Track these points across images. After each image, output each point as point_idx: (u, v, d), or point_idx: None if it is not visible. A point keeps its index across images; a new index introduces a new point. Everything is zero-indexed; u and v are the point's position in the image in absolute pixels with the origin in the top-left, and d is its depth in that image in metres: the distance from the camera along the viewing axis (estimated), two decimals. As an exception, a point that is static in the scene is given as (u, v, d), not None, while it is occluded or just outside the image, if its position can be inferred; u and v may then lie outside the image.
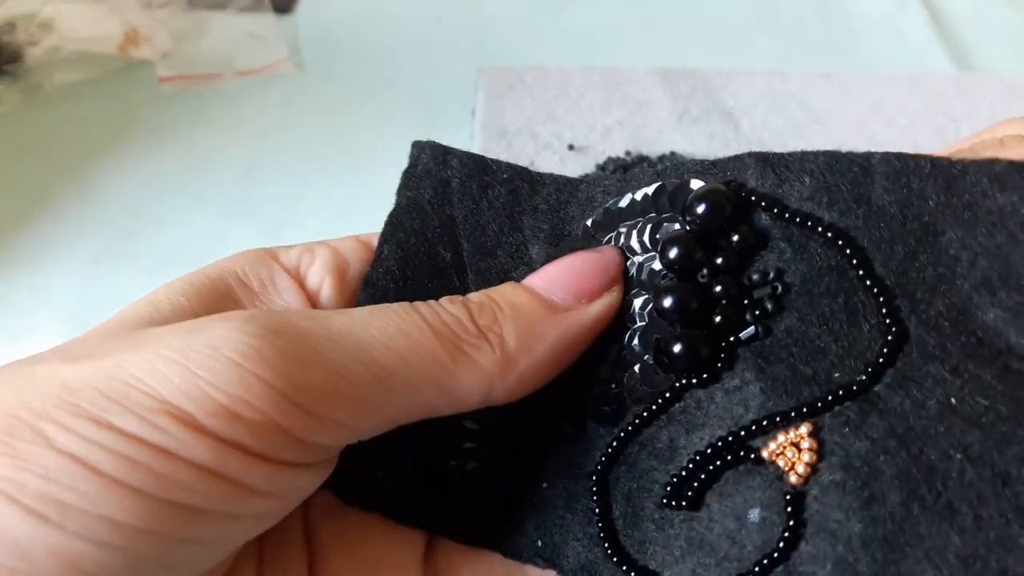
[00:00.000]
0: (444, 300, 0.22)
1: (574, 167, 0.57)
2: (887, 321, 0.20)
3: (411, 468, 0.25)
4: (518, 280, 0.24)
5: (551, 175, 0.26)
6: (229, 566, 0.22)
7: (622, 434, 0.23)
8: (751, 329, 0.22)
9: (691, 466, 0.22)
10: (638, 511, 0.23)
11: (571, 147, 0.58)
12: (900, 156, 0.21)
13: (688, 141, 0.59)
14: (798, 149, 0.22)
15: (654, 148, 0.58)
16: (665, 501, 0.22)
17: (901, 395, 0.20)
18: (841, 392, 0.20)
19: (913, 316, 0.20)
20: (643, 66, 0.65)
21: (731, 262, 0.22)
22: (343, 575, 0.24)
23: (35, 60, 0.63)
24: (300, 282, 0.25)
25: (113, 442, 0.17)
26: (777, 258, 0.22)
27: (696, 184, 0.23)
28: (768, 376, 0.21)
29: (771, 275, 0.22)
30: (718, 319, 0.22)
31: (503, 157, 0.29)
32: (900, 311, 0.20)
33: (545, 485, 0.24)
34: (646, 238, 0.23)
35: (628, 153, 0.58)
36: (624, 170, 0.56)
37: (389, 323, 0.21)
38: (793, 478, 0.20)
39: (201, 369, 0.18)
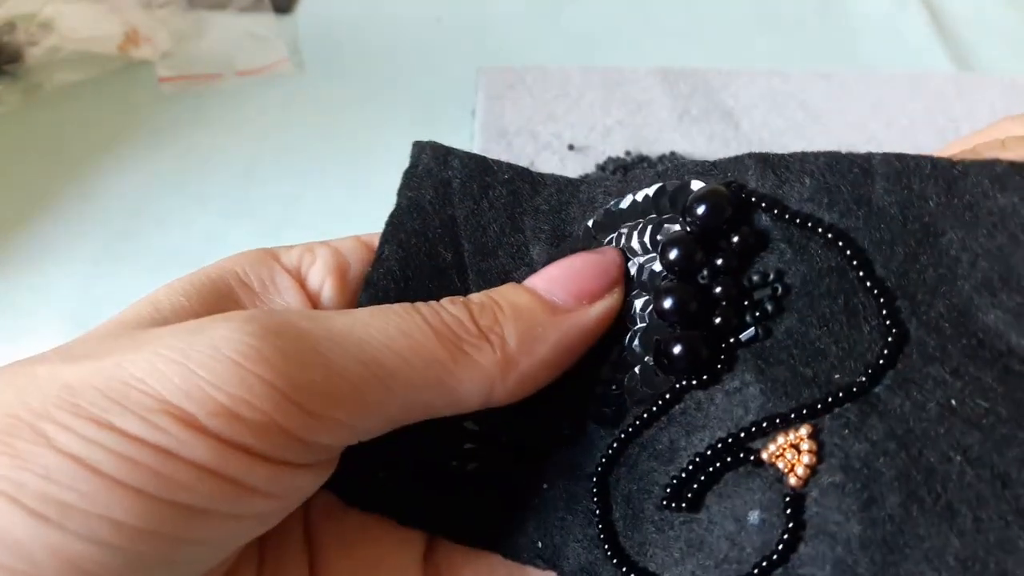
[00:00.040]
0: (445, 301, 0.22)
1: (574, 167, 0.57)
2: (887, 323, 0.20)
3: (412, 469, 0.25)
4: (519, 281, 0.24)
5: (552, 176, 0.26)
6: (230, 566, 0.22)
7: (622, 435, 0.23)
8: (751, 330, 0.22)
9: (691, 468, 0.22)
10: (638, 513, 0.23)
11: (571, 147, 0.58)
12: (901, 157, 0.21)
13: (688, 141, 0.59)
14: (798, 149, 0.22)
15: (654, 148, 0.58)
16: (665, 503, 0.22)
17: (901, 397, 0.20)
18: (841, 394, 0.20)
19: (913, 318, 0.20)
20: (643, 66, 0.65)
21: (731, 263, 0.22)
22: (344, 575, 0.24)
23: (35, 60, 0.63)
24: (301, 282, 0.25)
25: (114, 442, 0.17)
26: (777, 259, 0.22)
27: (696, 185, 0.23)
28: (768, 377, 0.21)
29: (771, 276, 0.22)
30: (718, 320, 0.22)
31: (503, 157, 0.29)
32: (900, 312, 0.20)
33: (545, 486, 0.24)
34: (647, 239, 0.23)
35: (628, 153, 0.58)
36: (624, 170, 0.56)
37: (390, 323, 0.21)
38: (793, 480, 0.20)
39: (202, 369, 0.18)
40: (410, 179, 0.26)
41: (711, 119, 0.61)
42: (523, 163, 0.54)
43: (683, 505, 0.22)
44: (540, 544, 0.24)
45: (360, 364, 0.20)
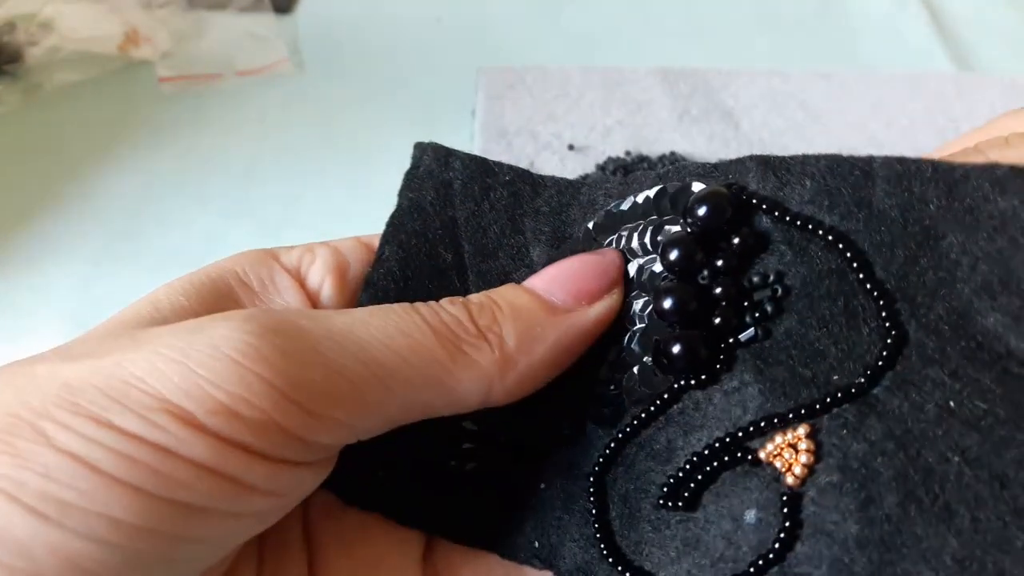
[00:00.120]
0: (444, 301, 0.22)
1: (574, 167, 0.57)
2: (887, 324, 0.20)
3: (410, 468, 0.25)
4: (519, 282, 0.24)
5: (553, 177, 0.26)
6: (229, 565, 0.22)
7: (620, 435, 0.23)
8: (750, 331, 0.22)
9: (688, 467, 0.22)
10: (635, 512, 0.23)
11: (571, 147, 0.58)
12: (902, 160, 0.21)
13: (688, 141, 0.59)
14: (798, 149, 0.22)
15: (654, 148, 0.59)
16: (662, 502, 0.22)
17: (900, 398, 0.20)
18: (839, 394, 0.20)
19: (913, 320, 0.20)
20: (643, 66, 0.65)
21: (731, 264, 0.22)
22: (342, 575, 0.24)
23: (35, 60, 0.63)
24: (301, 282, 0.25)
25: (113, 440, 0.17)
26: (777, 261, 0.22)
27: (697, 187, 0.23)
28: (767, 378, 0.21)
29: (771, 277, 0.22)
30: (718, 321, 0.22)
31: (503, 157, 0.29)
32: (900, 315, 0.20)
33: (543, 486, 0.24)
34: (647, 240, 0.23)
35: (628, 153, 0.58)
36: (624, 170, 0.56)
37: (389, 323, 0.21)
38: (790, 479, 0.20)
39: (201, 368, 0.18)
40: (411, 180, 0.26)
41: (711, 119, 0.61)
42: (523, 163, 0.54)
43: (680, 504, 0.22)
44: (537, 544, 0.24)
45: (359, 363, 0.20)
